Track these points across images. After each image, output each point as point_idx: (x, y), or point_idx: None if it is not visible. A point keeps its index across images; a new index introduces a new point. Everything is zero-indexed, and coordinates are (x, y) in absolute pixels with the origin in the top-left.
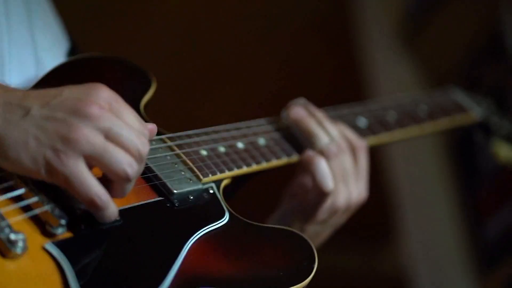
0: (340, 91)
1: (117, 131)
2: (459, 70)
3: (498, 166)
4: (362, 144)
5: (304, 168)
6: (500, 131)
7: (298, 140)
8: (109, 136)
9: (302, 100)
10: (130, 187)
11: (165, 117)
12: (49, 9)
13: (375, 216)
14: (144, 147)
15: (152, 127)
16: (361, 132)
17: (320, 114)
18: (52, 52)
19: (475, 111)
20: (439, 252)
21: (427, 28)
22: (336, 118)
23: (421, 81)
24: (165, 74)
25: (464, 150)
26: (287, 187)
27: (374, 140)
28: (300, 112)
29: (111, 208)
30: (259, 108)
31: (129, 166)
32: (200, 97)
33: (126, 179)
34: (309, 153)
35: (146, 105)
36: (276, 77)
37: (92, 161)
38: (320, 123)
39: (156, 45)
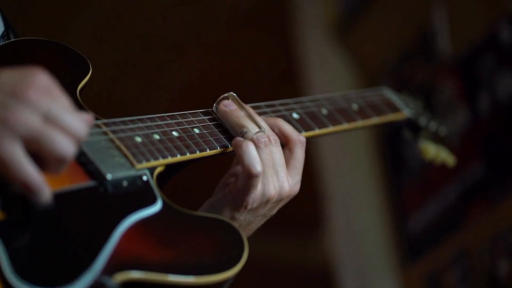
0: (276, 83)
1: (55, 114)
2: (390, 67)
3: (424, 163)
4: (299, 139)
5: (235, 155)
6: (427, 131)
7: (230, 131)
8: (47, 119)
9: (232, 94)
10: (64, 167)
11: (101, 102)
12: None
13: (305, 207)
14: (81, 128)
15: (89, 117)
16: (295, 127)
17: (249, 107)
18: None
19: (404, 110)
20: (364, 244)
21: (360, 24)
22: (271, 113)
23: (354, 75)
24: (103, 60)
25: (392, 145)
26: (224, 175)
27: (306, 134)
28: (230, 105)
29: (45, 191)
30: (196, 99)
31: (66, 148)
32: (138, 85)
33: (63, 161)
34: (238, 138)
35: (82, 90)
36: (213, 68)
37: (29, 144)
38: (249, 116)
39: (94, 31)
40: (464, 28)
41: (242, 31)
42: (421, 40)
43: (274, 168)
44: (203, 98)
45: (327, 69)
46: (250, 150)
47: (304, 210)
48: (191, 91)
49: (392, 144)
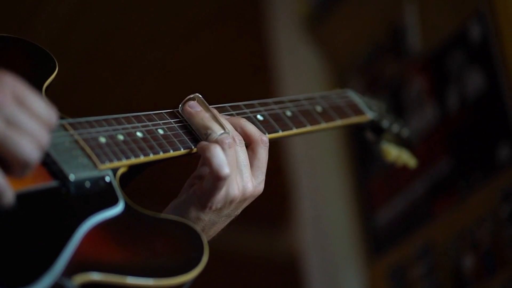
0: (247, 76)
1: (19, 118)
2: (360, 61)
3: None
4: (262, 139)
5: (201, 157)
6: (389, 133)
7: (195, 133)
8: (11, 123)
9: (198, 95)
10: (28, 172)
11: (66, 101)
12: None
13: (272, 200)
14: (45, 134)
15: (55, 119)
16: (259, 128)
17: (214, 109)
18: None
19: (368, 113)
20: (331, 237)
21: (332, 18)
22: (235, 115)
23: (325, 68)
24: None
25: (360, 140)
26: (189, 177)
27: (269, 136)
28: (195, 106)
29: (8, 193)
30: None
31: (30, 153)
32: (113, 73)
33: (26, 165)
34: (205, 142)
35: (47, 88)
36: (182, 63)
37: None
38: (214, 118)
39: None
40: (435, 25)
41: (213, 24)
42: (392, 36)
43: (238, 169)
44: (172, 97)
45: (298, 62)
46: (217, 153)
47: (271, 203)
48: (160, 89)
49: (360, 139)
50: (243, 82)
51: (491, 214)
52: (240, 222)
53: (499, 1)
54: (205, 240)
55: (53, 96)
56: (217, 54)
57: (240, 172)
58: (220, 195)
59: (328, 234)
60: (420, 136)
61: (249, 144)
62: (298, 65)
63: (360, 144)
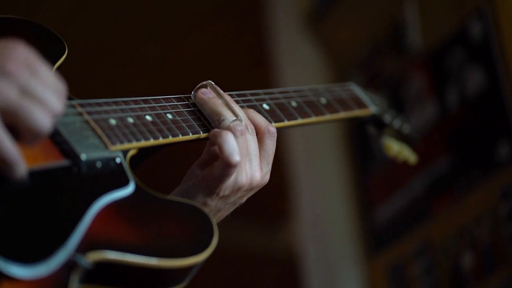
0: (247, 70)
1: (33, 87)
2: (360, 58)
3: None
4: (269, 129)
5: (211, 143)
6: (391, 128)
7: (206, 119)
8: (25, 92)
9: (210, 82)
10: (39, 140)
11: (76, 83)
12: None
13: (272, 196)
14: (58, 104)
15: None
16: (266, 118)
17: (227, 96)
18: None
19: (370, 107)
20: (330, 234)
21: (333, 14)
22: (242, 103)
23: (325, 64)
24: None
25: (360, 137)
26: (195, 162)
27: (275, 125)
28: (208, 93)
29: (21, 166)
30: (171, 85)
31: (44, 121)
32: (113, 67)
33: (38, 134)
34: (217, 129)
35: (56, 71)
36: (187, 56)
37: (6, 116)
38: (226, 104)
39: (62, 20)
40: (435, 22)
41: (213, 21)
42: (392, 33)
43: (248, 157)
44: (176, 86)
45: (298, 59)
46: (229, 139)
47: (270, 199)
48: (159, 85)
49: (360, 135)
50: (243, 78)
51: (490, 212)
52: (239, 218)
53: None
54: (214, 223)
55: (64, 77)
56: (217, 51)
57: (250, 161)
58: (229, 182)
59: (327, 231)
60: (420, 134)
61: (257, 134)
62: (298, 62)
63: (359, 141)
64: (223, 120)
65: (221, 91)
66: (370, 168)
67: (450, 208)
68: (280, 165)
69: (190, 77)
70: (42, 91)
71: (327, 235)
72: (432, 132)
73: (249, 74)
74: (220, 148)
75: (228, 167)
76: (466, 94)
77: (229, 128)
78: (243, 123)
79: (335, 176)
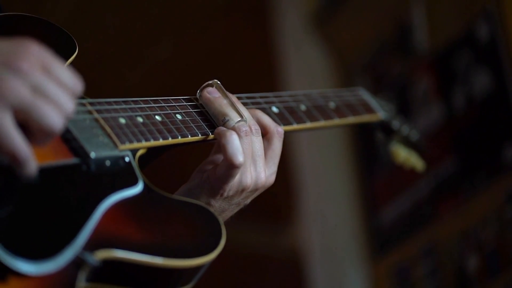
0: (254, 72)
1: (46, 87)
2: (367, 60)
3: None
4: (277, 130)
5: (217, 143)
6: (399, 134)
7: (212, 119)
8: (38, 91)
9: (216, 81)
10: (49, 140)
11: (86, 82)
12: None
13: (277, 197)
14: (70, 104)
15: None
16: (274, 120)
17: (232, 96)
18: None
19: (379, 112)
20: (335, 235)
21: (340, 15)
22: (251, 105)
23: (331, 66)
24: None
25: (365, 139)
26: (202, 162)
27: (284, 129)
28: (213, 92)
29: (32, 164)
30: (174, 87)
31: (55, 121)
32: (122, 67)
33: (50, 133)
34: (222, 128)
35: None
36: (191, 56)
37: (19, 115)
38: (232, 105)
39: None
40: (442, 23)
41: (221, 19)
42: (399, 34)
43: (252, 158)
44: (178, 90)
45: (305, 59)
46: (233, 140)
47: (276, 200)
48: (167, 82)
49: (365, 137)
50: (250, 78)
51: (496, 215)
52: (244, 219)
53: (507, 0)
54: (222, 224)
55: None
56: (224, 51)
57: (254, 162)
58: (233, 183)
59: (332, 232)
60: (426, 135)
61: (265, 135)
62: (305, 62)
63: (365, 143)
64: (228, 120)
65: (227, 91)
66: (376, 170)
67: (456, 210)
68: (285, 167)
69: (197, 76)
70: (55, 90)
71: (332, 236)
72: (438, 134)
73: (256, 74)
74: (224, 148)
75: (231, 167)
76: (472, 96)
77: (234, 129)
78: (247, 124)
79: (340, 178)
